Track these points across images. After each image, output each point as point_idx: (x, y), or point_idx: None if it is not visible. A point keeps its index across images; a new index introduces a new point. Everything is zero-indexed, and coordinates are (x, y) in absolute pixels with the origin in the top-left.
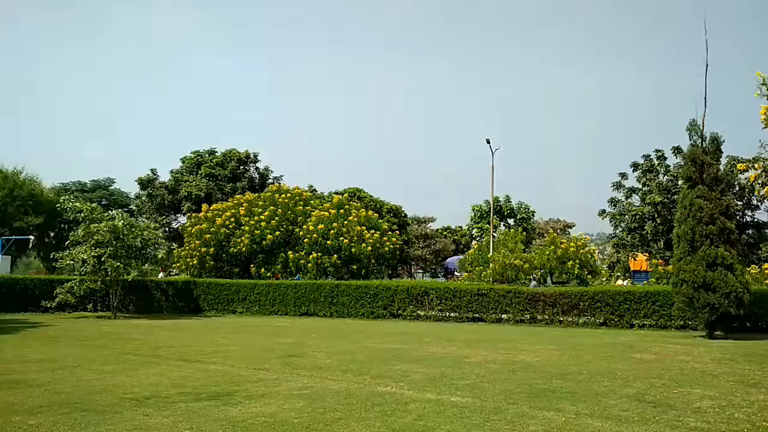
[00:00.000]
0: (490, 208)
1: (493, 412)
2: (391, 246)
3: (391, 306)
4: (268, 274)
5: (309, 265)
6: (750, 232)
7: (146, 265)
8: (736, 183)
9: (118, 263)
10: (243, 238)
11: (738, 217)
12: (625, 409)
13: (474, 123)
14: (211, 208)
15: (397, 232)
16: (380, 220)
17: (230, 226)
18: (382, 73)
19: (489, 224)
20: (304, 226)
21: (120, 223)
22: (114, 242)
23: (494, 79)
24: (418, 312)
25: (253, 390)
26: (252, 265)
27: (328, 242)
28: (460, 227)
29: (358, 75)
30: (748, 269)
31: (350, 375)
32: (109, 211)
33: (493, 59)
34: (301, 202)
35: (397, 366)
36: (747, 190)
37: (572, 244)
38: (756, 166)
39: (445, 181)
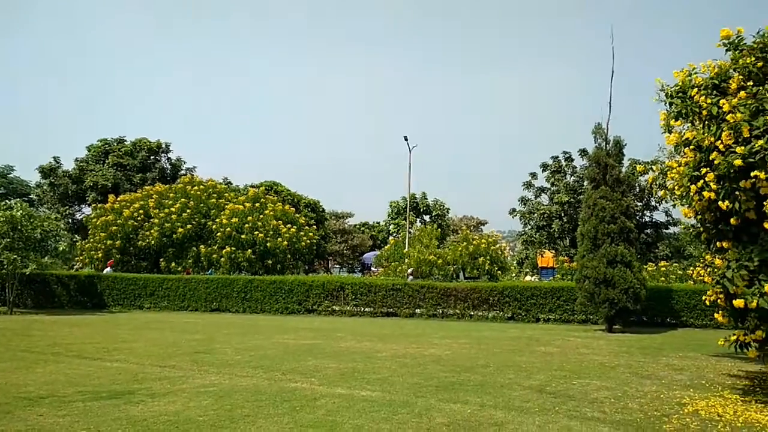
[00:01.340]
0: (406, 204)
1: (401, 406)
2: (308, 241)
3: (306, 301)
4: (179, 269)
5: (222, 259)
6: (648, 231)
7: (46, 258)
8: (636, 184)
9: (15, 255)
10: (152, 231)
11: (638, 217)
12: (527, 400)
13: (393, 121)
14: (119, 199)
15: (315, 227)
16: (297, 215)
17: (139, 219)
18: (303, 68)
19: (405, 220)
20: (218, 220)
21: (18, 213)
22: (11, 233)
23: (415, 79)
24: (333, 307)
25: (157, 388)
26: (161, 260)
27: (243, 236)
28: (378, 223)
29: (279, 69)
30: (645, 266)
31: (260, 371)
32: (7, 201)
33: (414, 59)
34: (215, 195)
35: (309, 361)
36: (646, 191)
37: (484, 240)
38: (654, 168)
39: (363, 177)
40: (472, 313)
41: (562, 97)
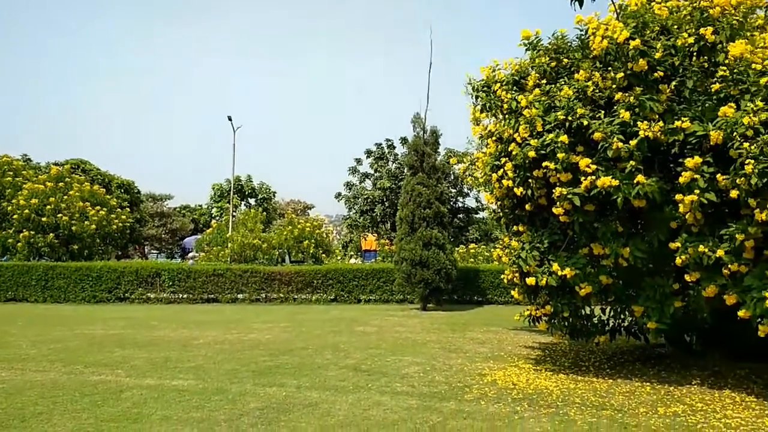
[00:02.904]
0: (230, 187)
1: (215, 393)
2: (120, 224)
3: (117, 289)
4: None
5: (19, 244)
6: (461, 216)
7: None
8: (451, 172)
9: None
10: None
11: (451, 203)
12: (343, 379)
13: (218, 99)
14: None
15: (128, 209)
16: (108, 196)
17: None
18: (128, 42)
19: (229, 203)
20: (14, 201)
21: None
22: None
23: (243, 61)
24: (149, 294)
25: None
26: None
27: (44, 219)
28: (200, 206)
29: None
30: (457, 249)
31: (59, 365)
32: None
33: (248, 41)
34: (11, 173)
35: (117, 353)
36: (460, 179)
37: (309, 224)
38: (465, 159)
39: (185, 158)
40: (296, 297)
41: (389, 85)
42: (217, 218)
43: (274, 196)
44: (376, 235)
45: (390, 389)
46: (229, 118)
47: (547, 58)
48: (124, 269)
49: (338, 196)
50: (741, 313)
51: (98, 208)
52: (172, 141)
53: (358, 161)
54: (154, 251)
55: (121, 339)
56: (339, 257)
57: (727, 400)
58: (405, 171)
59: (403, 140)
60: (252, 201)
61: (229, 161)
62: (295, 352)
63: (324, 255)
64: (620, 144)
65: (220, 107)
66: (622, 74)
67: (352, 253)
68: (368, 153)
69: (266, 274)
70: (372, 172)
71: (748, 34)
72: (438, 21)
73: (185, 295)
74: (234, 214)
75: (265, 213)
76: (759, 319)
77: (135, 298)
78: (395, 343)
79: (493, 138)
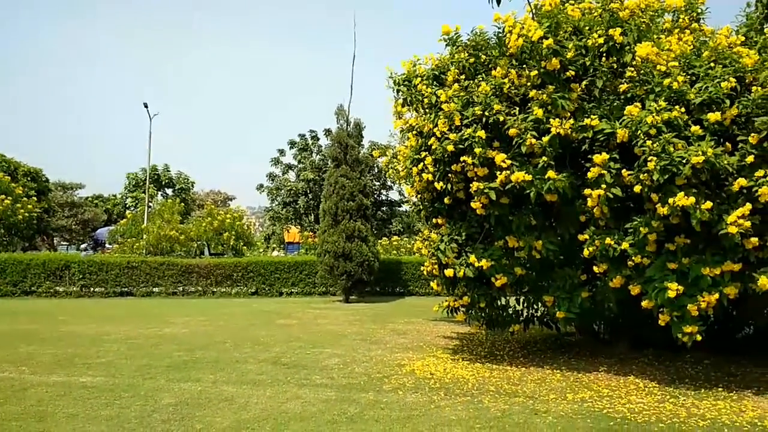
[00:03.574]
0: (146, 176)
1: (125, 390)
2: (27, 214)
3: (22, 282)
4: None
5: None
6: (384, 209)
7: None
8: (375, 165)
9: None
10: None
11: (375, 196)
12: (261, 373)
13: (133, 86)
14: None
15: (35, 198)
16: (13, 184)
17: None
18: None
19: (145, 193)
20: None
21: None
22: None
23: (160, 47)
24: (57, 288)
25: None
26: None
27: None
28: (114, 196)
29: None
30: (380, 241)
31: None
32: None
33: (162, 28)
34: None
35: (21, 349)
36: (383, 172)
37: (229, 216)
38: (387, 152)
39: (97, 145)
40: (215, 290)
41: (315, 75)
42: (132, 209)
43: (192, 186)
44: (299, 227)
45: (309, 382)
46: (145, 105)
47: (466, 54)
48: (30, 261)
49: (260, 187)
50: (644, 303)
51: (2, 197)
52: (84, 128)
53: (281, 152)
54: (65, 243)
55: (26, 335)
56: (261, 250)
57: (631, 386)
58: (329, 163)
59: (327, 132)
60: (169, 191)
61: (144, 149)
62: (212, 346)
63: (245, 247)
64: (533, 140)
65: (138, 93)
66: (536, 72)
67: (274, 245)
68: (291, 144)
69: (184, 266)
70: (295, 163)
71: (655, 36)
72: (362, 11)
73: (97, 289)
74: (150, 204)
75: (183, 204)
76: (660, 309)
77: (42, 291)
78: (316, 335)
79: (414, 132)
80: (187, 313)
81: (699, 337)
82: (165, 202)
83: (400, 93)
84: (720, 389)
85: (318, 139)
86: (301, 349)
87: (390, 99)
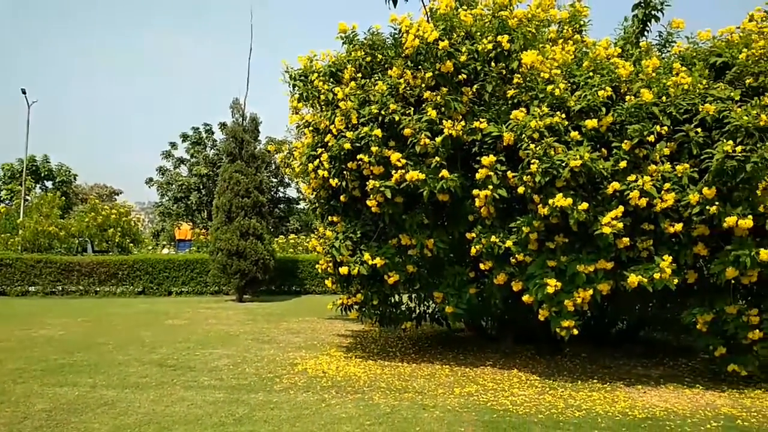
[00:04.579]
0: (23, 167)
1: None
2: None
3: None
4: None
5: None
6: (282, 206)
7: None
8: (272, 161)
9: None
10: None
11: (272, 193)
12: (144, 376)
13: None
14: None
15: None
16: None
17: None
18: None
19: (21, 186)
20: None
21: None
22: None
23: (42, 32)
24: None
25: None
26: None
27: None
28: None
29: None
30: (277, 239)
31: None
32: None
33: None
34: None
35: None
36: (280, 168)
37: (115, 211)
38: (283, 148)
39: None
40: (98, 289)
41: (211, 67)
42: (7, 202)
43: (75, 179)
44: (191, 224)
45: (196, 384)
46: (23, 91)
47: (363, 53)
48: None
49: (150, 181)
50: (525, 299)
51: None
52: None
53: (173, 145)
54: None
55: None
56: (150, 247)
57: (514, 380)
58: (223, 158)
59: (222, 126)
60: (49, 184)
61: (22, 139)
62: (92, 348)
63: (132, 245)
64: (427, 140)
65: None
66: (431, 74)
67: (164, 242)
68: (184, 137)
69: (64, 264)
70: (188, 157)
71: (540, 45)
72: (259, 7)
73: None
74: (27, 198)
75: (64, 198)
76: (540, 304)
77: None
78: (206, 336)
79: (310, 128)
80: (67, 314)
81: (575, 331)
82: (44, 196)
83: (297, 88)
84: (595, 381)
85: (213, 132)
86: (190, 350)
87: (286, 93)
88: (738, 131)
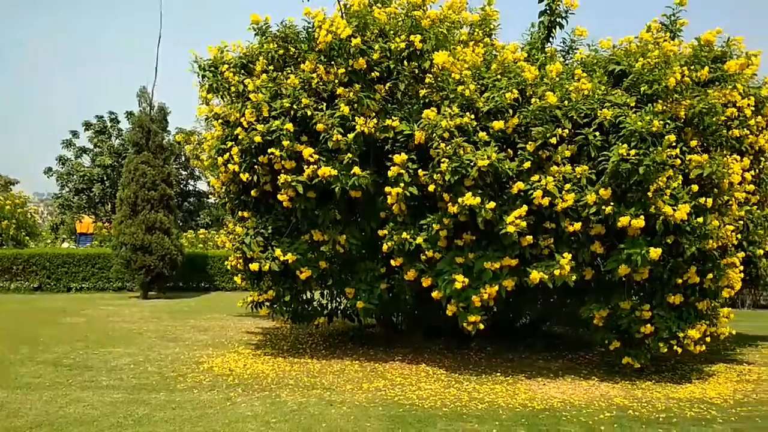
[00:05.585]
0: None
1: None
2: None
3: None
4: None
5: None
6: (192, 200)
7: None
8: (182, 153)
9: None
10: None
11: (182, 186)
12: (38, 376)
13: None
14: None
15: None
16: None
17: None
18: None
19: None
20: None
21: None
22: None
23: None
24: None
25: None
26: None
27: None
28: None
29: None
30: (186, 234)
31: None
32: None
33: None
34: None
35: None
36: (190, 160)
37: (9, 202)
38: (192, 139)
39: None
40: None
41: (117, 55)
42: None
43: None
44: (93, 217)
45: (94, 384)
46: None
47: (275, 46)
48: None
49: (48, 171)
50: (434, 294)
51: None
52: None
53: (74, 134)
54: None
55: None
56: (48, 241)
57: (422, 374)
58: (129, 149)
59: (129, 115)
60: None
61: None
62: None
63: (28, 238)
64: (340, 136)
65: None
66: (344, 70)
67: (64, 236)
68: (87, 125)
69: None
70: (91, 147)
71: (452, 47)
72: None
73: None
74: None
75: None
76: (448, 300)
77: None
78: (107, 334)
79: (220, 121)
80: None
81: (482, 326)
82: None
83: (206, 79)
84: (499, 374)
85: (118, 122)
86: (88, 348)
87: (195, 84)
88: (632, 136)
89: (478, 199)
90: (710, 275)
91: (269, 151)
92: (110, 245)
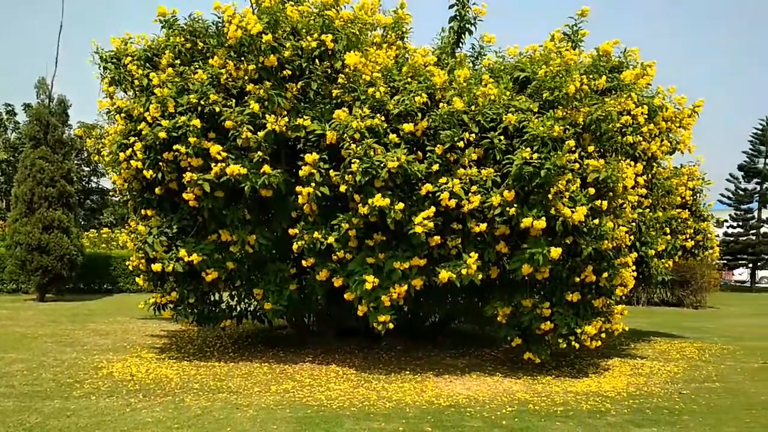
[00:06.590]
0: None
1: None
2: None
3: None
4: None
5: None
6: (95, 197)
7: None
8: (85, 149)
9: None
10: None
11: (84, 183)
12: None
13: None
14: None
15: None
16: None
17: None
18: None
19: None
20: None
21: None
22: None
23: None
24: None
25: None
26: None
27: None
28: None
29: None
30: (87, 233)
31: None
32: None
33: None
34: None
35: None
36: (92, 156)
37: None
38: (93, 133)
39: None
40: None
41: (17, 42)
42: None
43: None
44: None
45: None
46: None
47: (183, 39)
48: None
49: None
50: (346, 296)
51: None
52: None
53: None
54: None
55: None
56: None
57: (332, 374)
58: (26, 143)
59: (27, 107)
60: None
61: None
62: None
63: None
64: (250, 134)
65: None
66: (254, 67)
67: None
68: None
69: None
70: None
71: (364, 48)
72: None
73: None
74: None
75: None
76: (359, 300)
77: None
78: None
79: (123, 115)
80: None
81: (391, 325)
82: None
83: (108, 71)
84: (407, 372)
85: (15, 114)
86: None
87: (96, 76)
88: (535, 140)
89: (387, 201)
90: (605, 274)
91: (175, 147)
92: (4, 245)
